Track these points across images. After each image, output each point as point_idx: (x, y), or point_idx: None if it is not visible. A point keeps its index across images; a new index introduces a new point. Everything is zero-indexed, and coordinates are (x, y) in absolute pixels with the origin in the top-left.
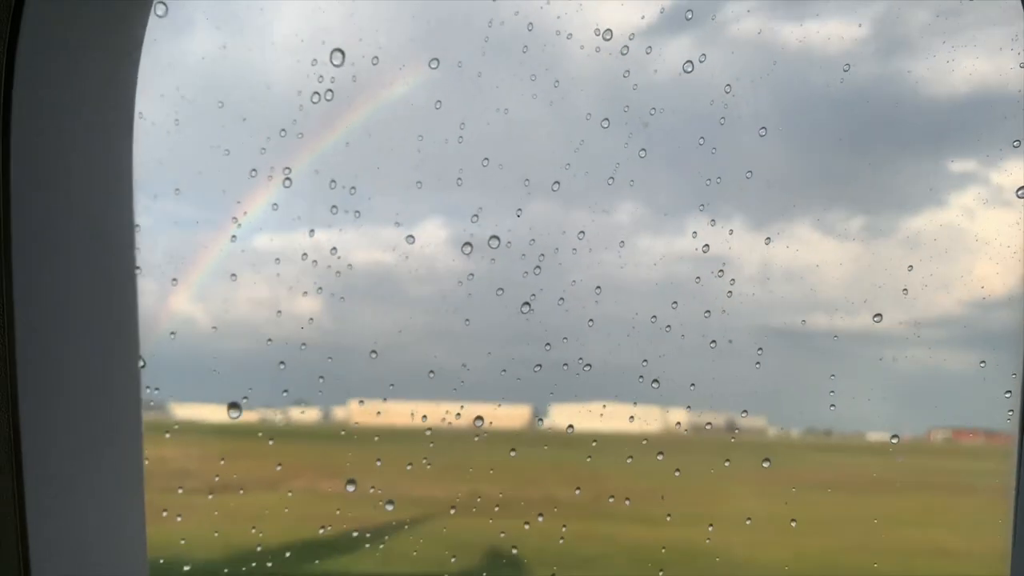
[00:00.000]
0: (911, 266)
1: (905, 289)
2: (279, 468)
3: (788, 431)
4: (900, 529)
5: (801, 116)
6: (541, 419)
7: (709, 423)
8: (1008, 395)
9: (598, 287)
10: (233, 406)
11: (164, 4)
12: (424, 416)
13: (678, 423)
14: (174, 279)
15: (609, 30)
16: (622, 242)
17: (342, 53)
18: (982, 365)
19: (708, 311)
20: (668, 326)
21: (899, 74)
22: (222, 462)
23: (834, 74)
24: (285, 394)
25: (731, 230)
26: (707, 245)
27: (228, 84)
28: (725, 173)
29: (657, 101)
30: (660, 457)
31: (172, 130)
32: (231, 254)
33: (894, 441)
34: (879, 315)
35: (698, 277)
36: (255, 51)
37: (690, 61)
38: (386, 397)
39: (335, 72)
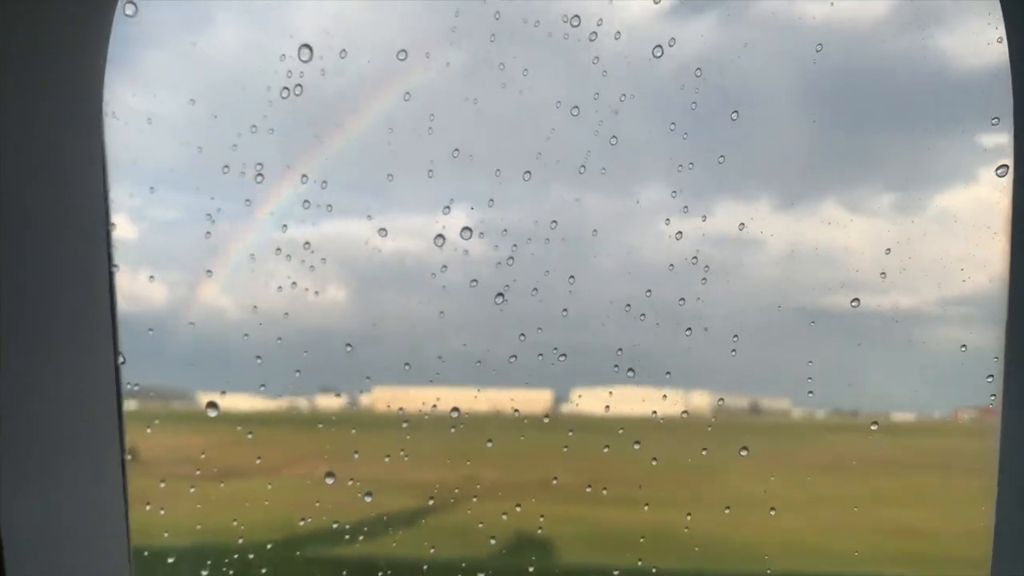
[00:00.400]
0: (940, 242)
1: (939, 266)
2: (258, 461)
3: (813, 412)
4: (891, 509)
5: (824, 93)
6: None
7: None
8: None
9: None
10: (211, 405)
11: (134, 4)
12: (400, 408)
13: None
14: (151, 276)
15: (577, 16)
16: (592, 232)
17: (309, 49)
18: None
19: (737, 293)
20: (699, 298)
21: (927, 47)
22: (203, 455)
23: (859, 49)
24: (263, 388)
25: (704, 217)
26: (685, 232)
27: (198, 82)
28: (747, 153)
29: (670, 81)
30: (636, 446)
31: (145, 129)
32: (204, 249)
33: (874, 428)
34: (856, 299)
35: (699, 263)
36: (224, 48)
37: (660, 46)
38: (362, 389)
39: (303, 67)
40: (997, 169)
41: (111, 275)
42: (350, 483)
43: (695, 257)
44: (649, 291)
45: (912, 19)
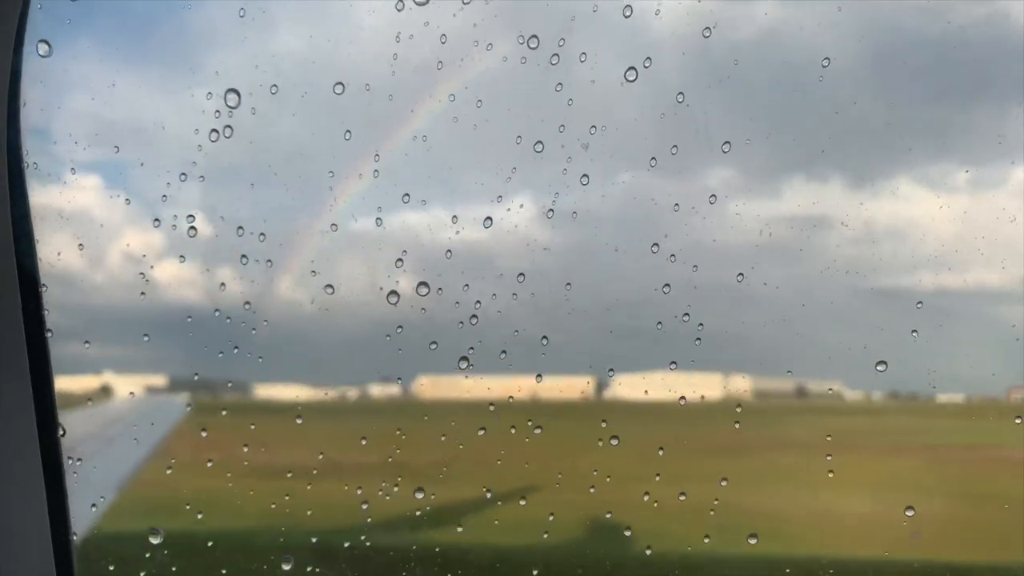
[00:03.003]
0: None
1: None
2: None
3: (869, 395)
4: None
5: (898, 66)
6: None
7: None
8: None
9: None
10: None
11: (47, 44)
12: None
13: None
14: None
15: (535, 36)
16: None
17: (237, 94)
18: None
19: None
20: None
21: (1000, 14)
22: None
23: (931, 19)
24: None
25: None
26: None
27: (119, 125)
28: (821, 130)
29: (741, 58)
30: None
31: (69, 180)
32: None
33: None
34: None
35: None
36: (145, 88)
37: (633, 68)
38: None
39: (231, 109)
40: None
41: (26, 276)
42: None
43: (768, 236)
44: (718, 274)
45: None
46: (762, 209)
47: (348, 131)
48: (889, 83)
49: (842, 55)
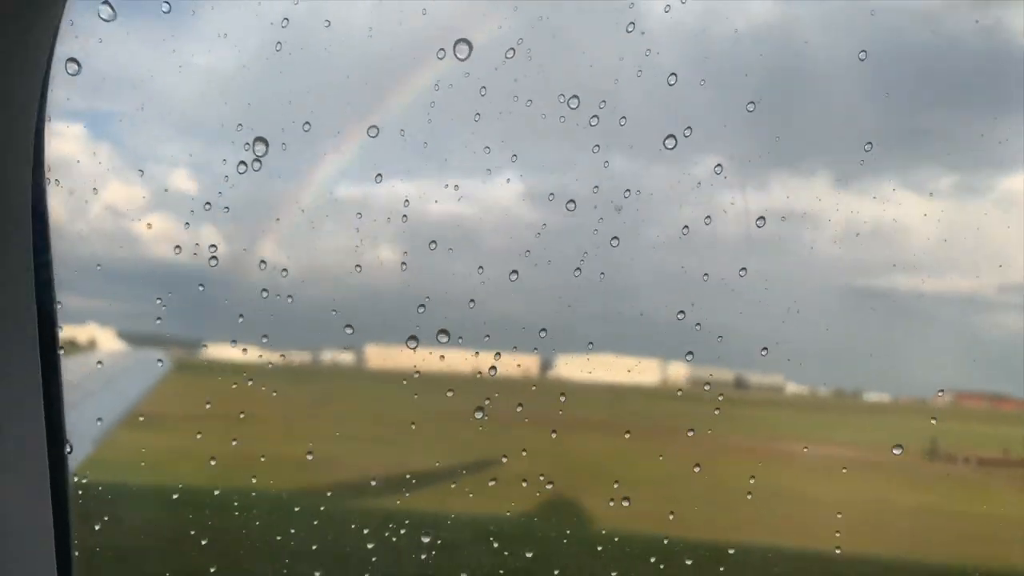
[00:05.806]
0: (1002, 227)
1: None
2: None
3: (815, 390)
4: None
5: (891, 70)
6: None
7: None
8: None
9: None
10: None
11: (77, 63)
12: None
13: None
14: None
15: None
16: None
17: (265, 143)
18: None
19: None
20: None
21: (996, 25)
22: None
23: (924, 27)
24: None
25: (759, 191)
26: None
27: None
28: (809, 129)
29: (733, 56)
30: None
31: (91, 198)
32: None
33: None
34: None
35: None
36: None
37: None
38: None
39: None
40: None
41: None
42: None
43: (750, 229)
44: (694, 264)
45: None
46: (748, 202)
47: (379, 174)
48: (880, 88)
49: (835, 58)
